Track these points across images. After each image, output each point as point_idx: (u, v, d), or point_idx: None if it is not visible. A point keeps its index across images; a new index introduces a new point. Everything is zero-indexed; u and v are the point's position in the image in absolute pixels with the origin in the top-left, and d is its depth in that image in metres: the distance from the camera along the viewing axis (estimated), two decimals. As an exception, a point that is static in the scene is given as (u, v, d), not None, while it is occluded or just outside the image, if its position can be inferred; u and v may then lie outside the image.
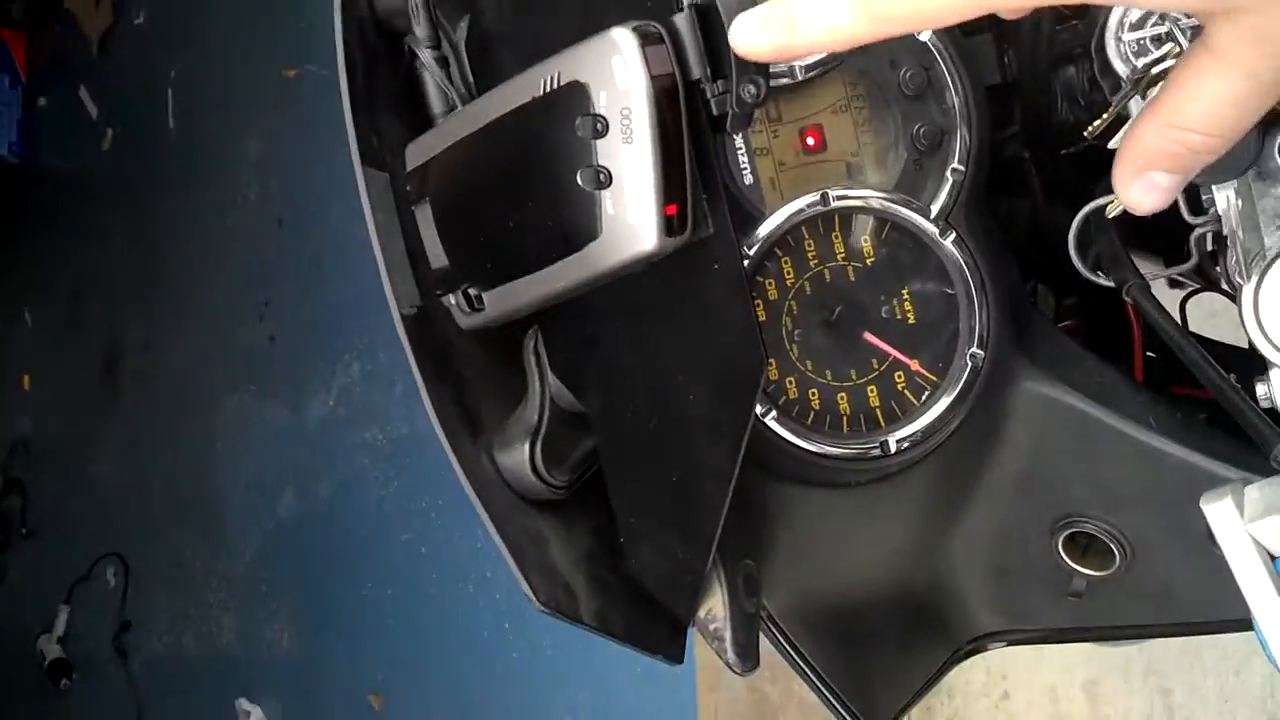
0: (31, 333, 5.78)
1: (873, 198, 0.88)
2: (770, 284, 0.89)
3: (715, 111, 0.69)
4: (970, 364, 0.88)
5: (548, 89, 0.71)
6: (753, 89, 0.69)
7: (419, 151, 0.82)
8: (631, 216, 0.69)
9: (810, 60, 0.86)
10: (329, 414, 4.02)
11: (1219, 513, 0.70)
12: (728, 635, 0.81)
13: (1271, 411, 0.77)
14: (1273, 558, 0.70)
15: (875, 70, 0.89)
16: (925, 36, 0.87)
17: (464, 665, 3.52)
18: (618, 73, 0.68)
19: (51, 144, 5.78)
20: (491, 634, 3.44)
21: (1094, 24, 0.83)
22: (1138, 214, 0.63)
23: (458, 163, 0.79)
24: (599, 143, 0.69)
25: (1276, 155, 0.72)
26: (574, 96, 0.70)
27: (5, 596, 5.68)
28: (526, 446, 0.85)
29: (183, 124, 4.79)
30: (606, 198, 0.69)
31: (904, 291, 0.90)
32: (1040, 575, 0.94)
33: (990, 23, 0.96)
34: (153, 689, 4.66)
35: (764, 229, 0.88)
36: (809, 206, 0.88)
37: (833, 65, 0.88)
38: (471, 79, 0.86)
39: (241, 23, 4.61)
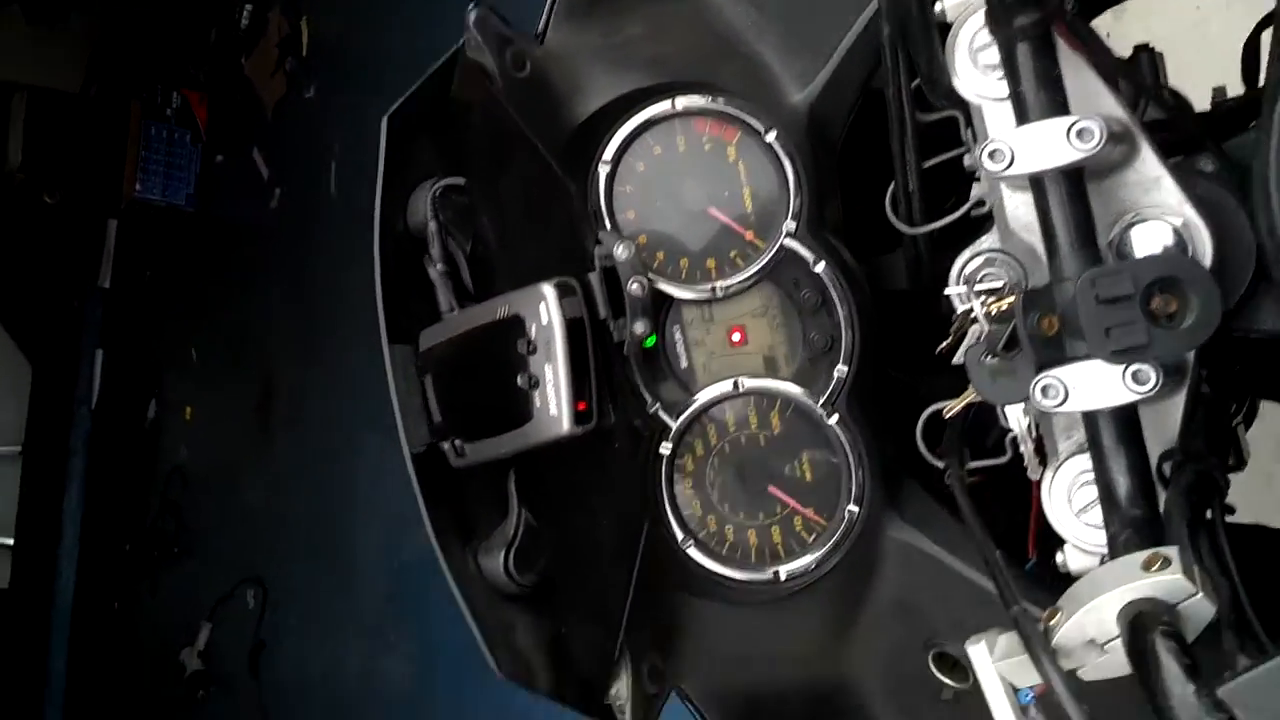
0: (197, 368, 6.26)
1: (773, 386, 1.14)
2: (699, 443, 1.16)
3: (616, 340, 0.98)
4: (848, 517, 1.13)
5: (502, 315, 1.01)
6: (640, 326, 0.97)
7: (428, 338, 1.12)
8: (552, 410, 0.98)
9: (730, 281, 1.13)
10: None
11: (977, 653, 0.94)
12: (628, 710, 1.08)
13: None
14: (1015, 689, 0.93)
15: (785, 289, 1.15)
16: (819, 268, 1.12)
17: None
18: (542, 313, 0.97)
19: (225, 198, 6.25)
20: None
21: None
22: None
23: (448, 354, 1.09)
24: (531, 358, 0.99)
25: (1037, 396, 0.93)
26: (516, 324, 0.99)
27: (156, 609, 6.17)
28: (502, 554, 1.13)
29: (343, 193, 5.10)
30: (536, 395, 0.99)
31: (803, 455, 1.15)
32: (918, 684, 1.18)
33: (899, 242, 1.21)
34: (280, 708, 5.01)
35: (691, 404, 1.15)
36: (725, 391, 1.15)
37: (749, 285, 1.14)
38: (472, 281, 1.16)
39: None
